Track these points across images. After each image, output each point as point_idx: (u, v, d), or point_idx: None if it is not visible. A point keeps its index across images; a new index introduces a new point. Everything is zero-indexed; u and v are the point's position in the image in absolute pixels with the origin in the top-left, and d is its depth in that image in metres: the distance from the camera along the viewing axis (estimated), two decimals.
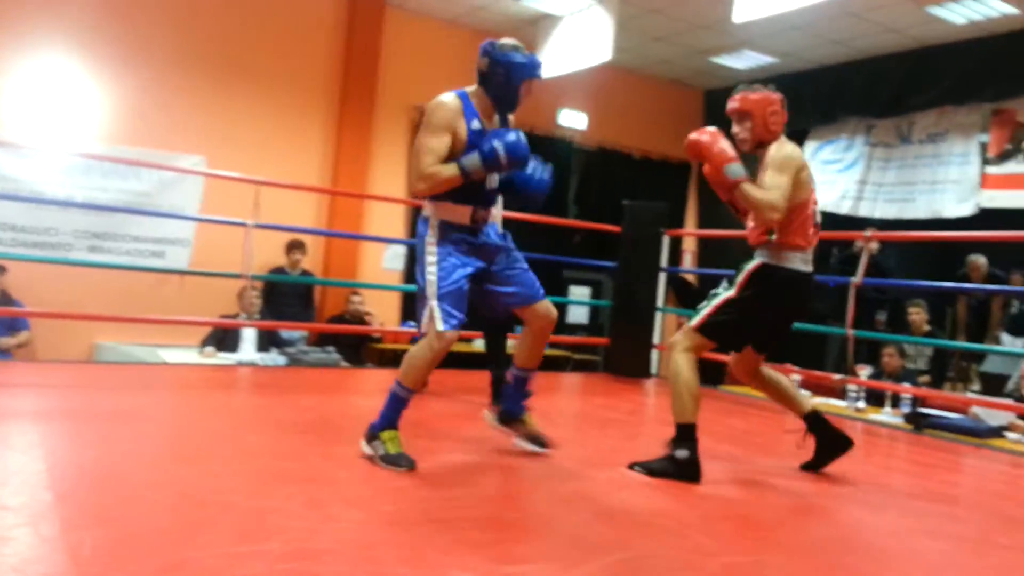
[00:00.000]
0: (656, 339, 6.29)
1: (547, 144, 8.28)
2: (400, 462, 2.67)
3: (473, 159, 2.69)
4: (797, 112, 8.29)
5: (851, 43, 7.43)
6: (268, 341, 5.80)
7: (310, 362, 5.47)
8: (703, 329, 3.05)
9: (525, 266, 2.95)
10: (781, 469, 3.35)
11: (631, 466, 2.99)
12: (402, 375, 2.81)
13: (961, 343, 6.66)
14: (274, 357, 5.40)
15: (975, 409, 4.86)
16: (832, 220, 7.96)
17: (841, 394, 5.41)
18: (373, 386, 4.95)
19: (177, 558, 1.76)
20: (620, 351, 6.10)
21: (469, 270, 2.78)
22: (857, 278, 5.08)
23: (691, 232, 9.30)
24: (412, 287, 7.53)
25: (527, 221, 6.39)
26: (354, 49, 7.46)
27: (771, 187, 2.90)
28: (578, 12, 7.10)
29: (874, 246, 6.57)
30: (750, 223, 3.15)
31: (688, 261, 9.40)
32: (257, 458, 2.77)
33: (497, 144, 2.67)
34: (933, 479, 3.59)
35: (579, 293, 8.60)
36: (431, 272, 2.74)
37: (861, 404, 5.15)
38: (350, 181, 7.34)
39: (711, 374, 7.45)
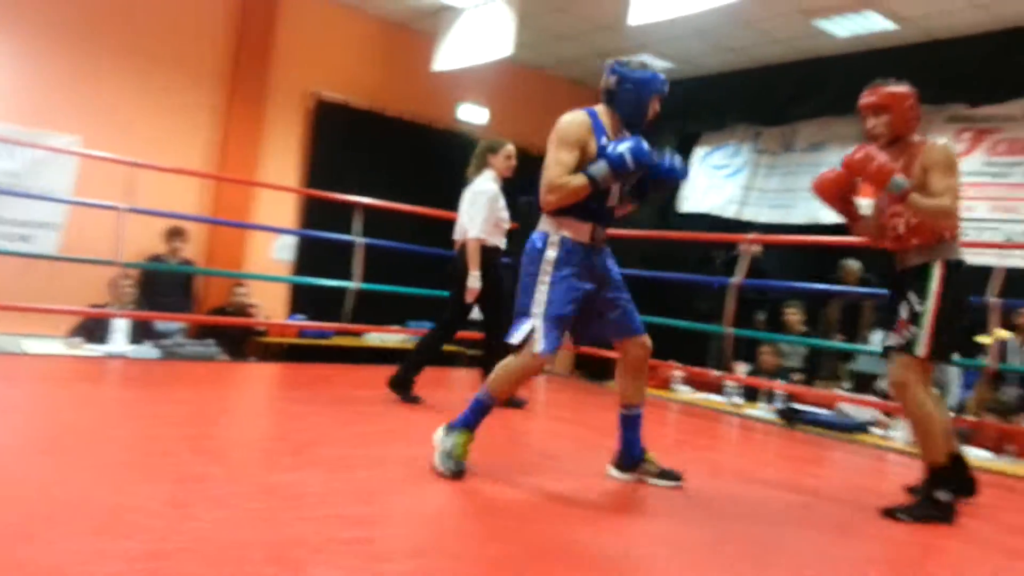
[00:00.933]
0: None
1: (446, 138, 8.23)
2: (450, 465, 2.69)
3: (601, 166, 2.72)
4: (690, 117, 8.66)
5: (744, 52, 7.70)
6: (142, 333, 5.53)
7: (186, 355, 5.25)
8: (932, 355, 2.86)
9: (628, 296, 2.96)
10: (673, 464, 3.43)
11: (893, 514, 2.83)
12: (492, 385, 2.82)
13: (832, 342, 7.01)
14: (146, 349, 5.15)
15: (842, 405, 5.13)
16: (718, 223, 8.27)
17: (719, 390, 5.60)
18: (250, 380, 4.80)
19: (19, 556, 1.64)
20: (510, 347, 6.11)
21: (580, 295, 2.77)
22: (738, 279, 5.26)
23: None
24: (303, 279, 7.36)
25: (426, 216, 6.35)
26: (247, 30, 7.19)
27: (942, 191, 2.83)
28: (480, 5, 7.08)
29: (756, 249, 6.86)
30: (899, 230, 3.02)
31: None
32: (121, 453, 2.63)
33: (622, 149, 2.70)
34: (801, 472, 3.76)
35: None
36: (542, 292, 2.74)
37: (738, 399, 5.36)
38: (239, 168, 7.08)
39: (599, 370, 7.62)
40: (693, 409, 5.30)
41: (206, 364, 5.19)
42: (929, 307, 2.84)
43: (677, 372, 5.85)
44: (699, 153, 8.68)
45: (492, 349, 4.16)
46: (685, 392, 5.75)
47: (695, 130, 8.67)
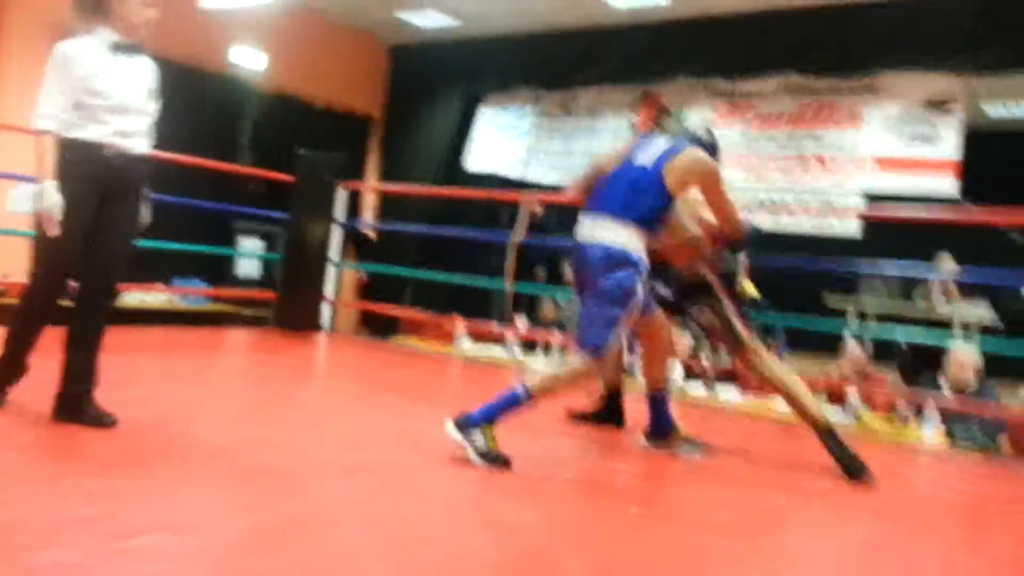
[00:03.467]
0: (329, 293, 6.15)
1: (216, 82, 7.65)
2: (498, 461, 2.60)
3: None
4: (476, 77, 8.68)
5: (531, 15, 7.78)
6: None
7: None
8: None
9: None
10: (433, 415, 3.44)
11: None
12: (537, 388, 2.70)
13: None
14: None
15: None
16: (504, 183, 8.42)
17: (501, 342, 5.75)
18: None
19: None
20: (290, 305, 5.88)
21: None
22: (516, 236, 5.37)
23: (371, 185, 9.24)
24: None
25: (195, 167, 5.88)
26: None
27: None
28: None
29: (537, 209, 7.06)
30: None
31: (368, 215, 9.33)
32: None
33: None
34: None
35: (250, 245, 8.11)
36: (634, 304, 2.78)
37: (518, 351, 5.52)
38: None
39: (384, 327, 7.55)
40: (475, 363, 5.38)
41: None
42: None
43: (460, 326, 5.92)
44: (486, 113, 8.74)
45: None
46: (468, 347, 5.83)
47: (482, 90, 8.71)
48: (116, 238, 2.57)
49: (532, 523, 2.20)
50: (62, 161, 2.49)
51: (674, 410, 3.30)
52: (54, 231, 2.45)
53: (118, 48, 2.59)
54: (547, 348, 5.51)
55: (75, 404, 2.54)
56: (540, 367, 5.30)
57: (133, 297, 6.75)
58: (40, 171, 2.48)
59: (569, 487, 2.65)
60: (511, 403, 2.67)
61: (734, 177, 7.23)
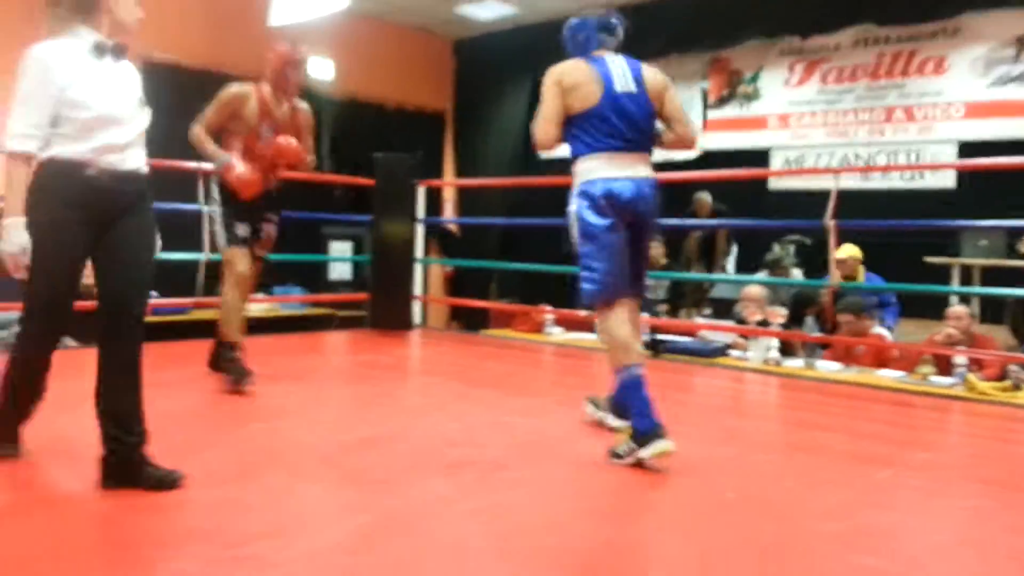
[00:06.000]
0: (417, 290, 6.28)
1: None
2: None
3: None
4: (541, 62, 8.61)
5: None
6: None
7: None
8: None
9: None
10: (529, 406, 3.48)
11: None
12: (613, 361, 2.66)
13: (692, 274, 7.30)
14: None
15: (703, 332, 5.37)
16: None
17: (591, 328, 5.73)
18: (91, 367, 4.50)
19: None
20: (382, 305, 6.03)
21: None
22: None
23: (447, 182, 9.35)
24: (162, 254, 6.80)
25: (283, 180, 6.09)
26: None
27: None
28: None
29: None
30: None
31: (449, 211, 9.47)
32: None
33: None
34: (665, 400, 3.89)
35: (340, 249, 8.36)
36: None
37: None
38: None
39: (474, 320, 7.65)
40: (566, 350, 5.40)
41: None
42: None
43: (548, 316, 5.95)
44: None
45: None
46: (558, 334, 5.85)
47: (543, 76, 8.68)
48: (127, 266, 2.21)
49: (630, 511, 2.21)
50: (39, 186, 2.14)
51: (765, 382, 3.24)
52: (21, 273, 2.13)
53: (101, 50, 2.22)
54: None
55: (128, 464, 2.13)
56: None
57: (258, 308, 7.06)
58: (9, 202, 2.12)
59: (662, 474, 2.65)
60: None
61: (816, 136, 7.01)
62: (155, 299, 6.47)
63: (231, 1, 7.58)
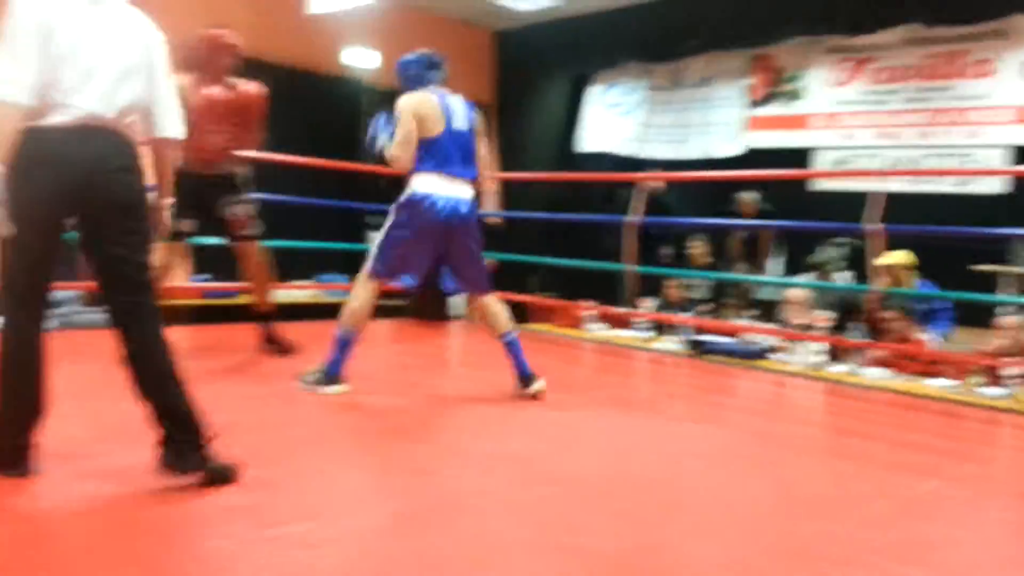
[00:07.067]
0: None
1: (332, 83, 7.94)
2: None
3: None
4: (583, 56, 8.61)
5: None
6: None
7: (82, 323, 4.99)
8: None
9: None
10: (566, 401, 3.47)
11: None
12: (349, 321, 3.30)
13: (734, 275, 7.21)
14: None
15: (745, 334, 5.29)
16: (619, 161, 8.32)
17: (630, 325, 5.70)
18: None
19: None
20: (423, 295, 6.05)
21: None
22: (635, 217, 5.31)
23: (489, 175, 9.33)
24: (201, 239, 6.97)
25: (324, 168, 6.17)
26: None
27: None
28: None
29: (657, 186, 6.94)
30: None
31: (490, 203, 9.44)
32: None
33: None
34: (704, 402, 3.87)
35: None
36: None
37: (649, 334, 5.47)
38: None
39: (515, 313, 7.63)
40: (605, 347, 5.38)
41: (105, 332, 4.92)
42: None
43: (588, 312, 5.92)
44: (594, 92, 8.66)
45: None
46: (597, 330, 5.83)
47: (589, 68, 8.63)
48: (122, 263, 2.07)
49: (663, 511, 2.19)
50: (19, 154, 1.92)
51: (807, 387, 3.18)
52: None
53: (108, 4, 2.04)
54: (677, 329, 5.42)
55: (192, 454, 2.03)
56: (668, 346, 5.23)
57: (282, 293, 7.15)
58: None
59: (697, 475, 2.61)
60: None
61: (862, 136, 6.87)
62: (205, 282, 6.62)
63: None
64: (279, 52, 7.64)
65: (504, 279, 8.49)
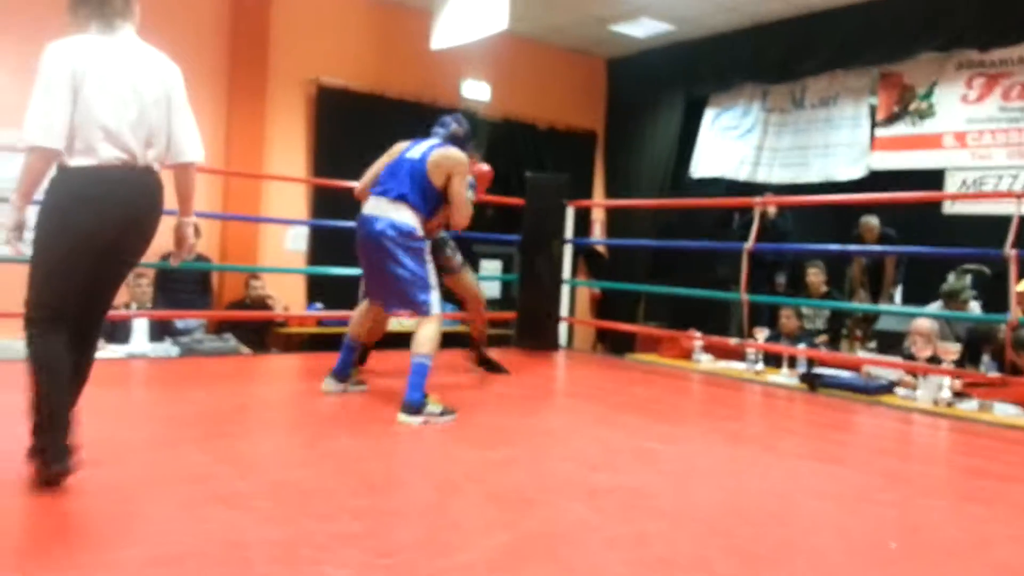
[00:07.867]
0: (564, 311, 6.30)
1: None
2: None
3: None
4: (697, 80, 8.50)
5: (743, 9, 7.51)
6: (162, 331, 5.55)
7: (206, 351, 5.27)
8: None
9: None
10: (674, 434, 3.39)
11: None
12: (425, 349, 3.52)
13: (855, 304, 6.90)
14: (166, 348, 5.17)
15: (867, 367, 5.04)
16: (734, 186, 8.14)
17: (742, 357, 5.52)
18: (268, 373, 4.80)
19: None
20: (528, 324, 6.09)
21: None
22: (749, 243, 5.17)
23: (596, 203, 9.33)
24: (317, 269, 7.30)
25: None
26: (242, 21, 7.11)
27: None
28: None
29: (772, 210, 6.74)
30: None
31: (597, 231, 9.45)
32: (128, 456, 2.62)
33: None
34: (822, 439, 3.70)
35: (490, 267, 8.53)
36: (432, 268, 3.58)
37: (759, 366, 5.28)
38: (245, 160, 7.04)
39: (621, 343, 7.57)
40: (714, 378, 5.24)
41: (227, 359, 5.21)
42: None
43: (697, 342, 5.77)
44: (709, 115, 8.53)
45: None
46: (706, 361, 5.68)
47: (702, 92, 8.51)
48: (115, 286, 2.40)
49: (780, 553, 2.10)
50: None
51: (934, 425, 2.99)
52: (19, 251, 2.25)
53: (126, 45, 2.29)
54: (792, 362, 5.22)
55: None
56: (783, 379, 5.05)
57: (392, 322, 7.34)
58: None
59: (818, 517, 2.50)
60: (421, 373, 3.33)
61: (996, 156, 6.46)
62: (322, 311, 6.90)
63: (395, 26, 7.94)
64: (403, 87, 7.94)
65: (611, 308, 8.50)
